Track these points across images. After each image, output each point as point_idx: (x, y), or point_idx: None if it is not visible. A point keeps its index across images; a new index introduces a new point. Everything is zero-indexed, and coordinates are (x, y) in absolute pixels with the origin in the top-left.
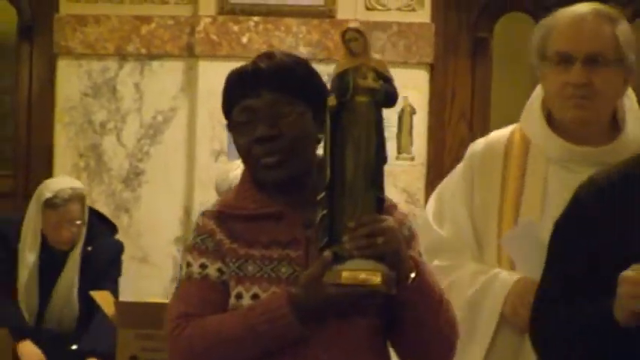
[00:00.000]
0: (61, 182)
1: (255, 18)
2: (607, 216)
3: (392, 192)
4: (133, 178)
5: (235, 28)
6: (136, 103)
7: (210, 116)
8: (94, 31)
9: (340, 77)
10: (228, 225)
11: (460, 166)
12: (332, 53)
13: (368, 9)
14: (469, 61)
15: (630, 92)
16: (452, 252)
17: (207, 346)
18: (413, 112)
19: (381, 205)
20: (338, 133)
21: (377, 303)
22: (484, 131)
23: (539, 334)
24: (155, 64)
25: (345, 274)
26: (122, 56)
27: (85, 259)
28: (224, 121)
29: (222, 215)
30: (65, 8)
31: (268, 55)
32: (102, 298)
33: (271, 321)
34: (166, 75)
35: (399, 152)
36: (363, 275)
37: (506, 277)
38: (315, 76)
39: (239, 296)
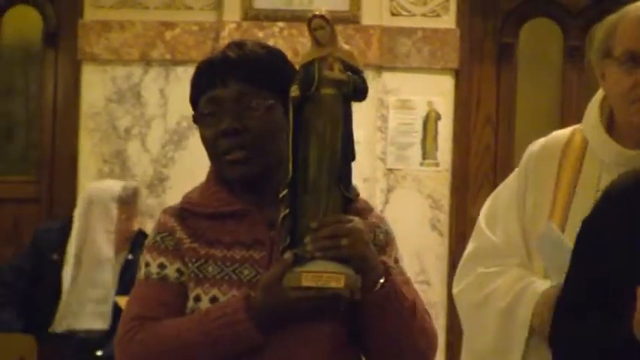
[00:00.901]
0: (113, 182)
1: (280, 24)
2: (633, 215)
3: (417, 198)
4: (158, 184)
5: (260, 34)
6: (161, 108)
7: None
8: (119, 37)
9: (305, 68)
10: (189, 223)
11: (517, 170)
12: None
13: (393, 14)
14: (494, 66)
15: None
16: (500, 258)
17: (161, 352)
18: (438, 117)
19: (348, 204)
20: (301, 127)
21: (341, 308)
22: (509, 137)
23: (556, 345)
24: (180, 69)
25: (305, 276)
26: (147, 62)
27: (125, 267)
28: None
29: (184, 213)
30: (90, 14)
31: (239, 44)
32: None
33: (227, 326)
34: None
35: (423, 158)
36: (323, 278)
37: (538, 287)
38: (288, 67)
39: (197, 299)
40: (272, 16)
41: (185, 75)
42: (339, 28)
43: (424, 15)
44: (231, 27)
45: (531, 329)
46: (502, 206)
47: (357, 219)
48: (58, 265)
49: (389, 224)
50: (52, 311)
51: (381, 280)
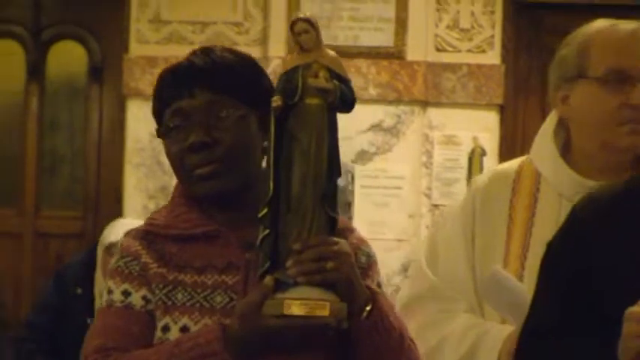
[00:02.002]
0: (127, 224)
1: None
2: (608, 235)
3: None
4: None
5: None
6: None
7: None
8: None
9: (288, 76)
10: (156, 246)
11: (459, 203)
12: (402, 95)
13: (438, 50)
14: (539, 102)
15: None
16: (444, 302)
17: None
18: (483, 153)
19: (333, 225)
20: (284, 140)
21: (326, 338)
22: None
23: None
24: None
25: (287, 303)
26: None
27: None
28: None
29: (149, 235)
30: (135, 49)
31: (205, 50)
32: None
33: (201, 358)
34: None
35: None
36: (308, 305)
37: (498, 333)
38: (261, 75)
39: (166, 328)
40: None
41: None
42: (383, 63)
43: (469, 51)
44: (277, 62)
45: None
46: (444, 246)
47: (343, 241)
48: (83, 300)
49: (370, 246)
50: (79, 348)
51: (368, 308)
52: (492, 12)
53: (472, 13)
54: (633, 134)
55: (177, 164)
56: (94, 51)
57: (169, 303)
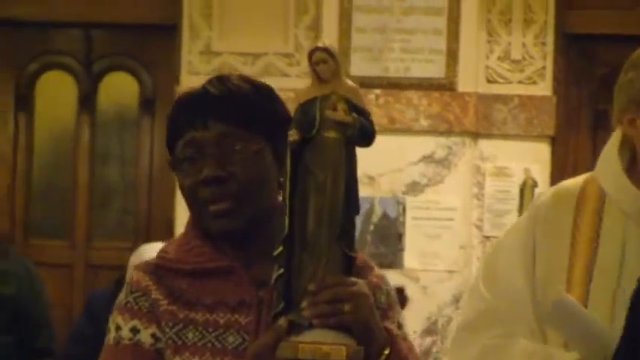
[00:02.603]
0: (153, 249)
1: (377, 90)
2: None
3: None
4: None
5: None
6: None
7: None
8: None
9: (305, 108)
10: (166, 282)
11: (521, 221)
12: (453, 126)
13: (489, 81)
14: (590, 133)
15: None
16: (503, 326)
17: None
18: (534, 185)
19: (351, 264)
20: (299, 175)
21: None
22: None
23: None
24: None
25: (302, 347)
26: None
27: None
28: None
29: (159, 270)
30: (186, 81)
31: (221, 79)
32: None
33: None
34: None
35: None
36: (323, 349)
37: (562, 359)
38: (278, 105)
39: None
40: (368, 83)
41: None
42: (435, 94)
43: (520, 82)
44: None
45: None
46: (504, 264)
47: (361, 281)
48: None
49: (390, 284)
50: None
51: (386, 352)
52: (543, 43)
53: (523, 45)
54: None
55: (191, 198)
56: (146, 83)
57: (180, 342)
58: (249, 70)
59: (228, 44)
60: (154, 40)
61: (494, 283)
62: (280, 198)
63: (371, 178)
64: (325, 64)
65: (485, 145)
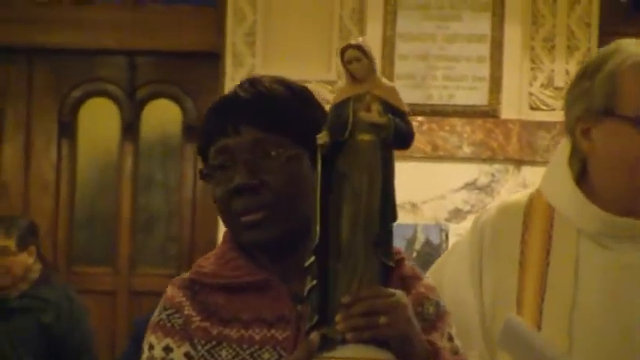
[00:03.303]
0: None
1: (420, 118)
2: None
3: None
4: None
5: None
6: None
7: None
8: None
9: (337, 109)
10: (201, 297)
11: (464, 241)
12: (496, 153)
13: (532, 108)
14: None
15: None
16: None
17: None
18: None
19: (388, 274)
20: (332, 181)
21: None
22: None
23: None
24: None
25: None
26: None
27: None
28: None
29: (194, 285)
30: None
31: (253, 82)
32: None
33: None
34: None
35: None
36: None
37: None
38: (315, 108)
39: None
40: (412, 111)
41: None
42: (478, 122)
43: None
44: None
45: None
46: (450, 288)
47: (399, 292)
48: None
49: (439, 295)
50: None
51: None
52: None
53: (566, 72)
54: None
55: (223, 209)
56: (189, 110)
57: None
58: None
59: (272, 71)
60: (198, 68)
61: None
62: None
63: (414, 205)
64: (358, 62)
65: (528, 172)
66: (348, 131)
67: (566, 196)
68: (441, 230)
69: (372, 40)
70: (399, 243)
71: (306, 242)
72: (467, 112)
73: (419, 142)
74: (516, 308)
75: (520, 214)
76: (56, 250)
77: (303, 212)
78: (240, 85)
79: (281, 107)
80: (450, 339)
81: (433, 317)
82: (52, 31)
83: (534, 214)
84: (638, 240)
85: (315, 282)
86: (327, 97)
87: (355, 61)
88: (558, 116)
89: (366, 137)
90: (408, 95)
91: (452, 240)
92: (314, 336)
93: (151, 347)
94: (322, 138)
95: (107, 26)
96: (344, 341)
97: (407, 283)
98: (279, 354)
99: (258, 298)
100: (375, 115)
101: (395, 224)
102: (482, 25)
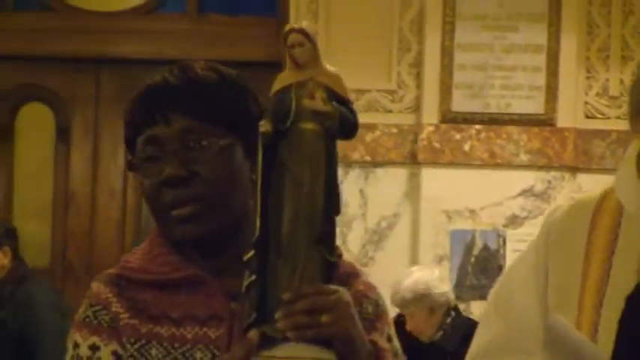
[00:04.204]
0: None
1: (477, 126)
2: None
3: None
4: None
5: (457, 136)
6: (361, 209)
7: (433, 222)
8: None
9: (279, 96)
10: (128, 294)
11: (535, 241)
12: (552, 161)
13: (588, 117)
14: None
15: None
16: (515, 354)
17: None
18: None
19: (331, 270)
20: (273, 171)
21: None
22: None
23: None
24: (379, 171)
25: None
26: (347, 163)
27: None
28: (448, 227)
29: (121, 281)
30: None
31: (183, 67)
32: None
33: None
34: (390, 182)
35: None
36: None
37: None
38: (249, 96)
39: None
40: (469, 119)
41: (385, 176)
42: (534, 130)
43: (618, 117)
44: (430, 129)
45: None
46: (518, 286)
47: (341, 289)
48: None
49: (380, 294)
50: None
51: None
52: None
53: (621, 81)
54: None
55: (152, 202)
56: None
57: None
58: (355, 105)
59: None
60: (259, 77)
61: (507, 307)
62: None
63: (472, 212)
64: (302, 47)
65: (583, 179)
66: (290, 119)
67: (631, 194)
68: (499, 236)
69: (431, 50)
70: (457, 248)
71: (240, 237)
72: (523, 121)
73: (477, 150)
74: (577, 312)
75: (589, 212)
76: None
77: (238, 205)
78: (170, 71)
79: (213, 94)
80: (389, 339)
81: (372, 317)
82: (118, 41)
83: (604, 213)
84: None
85: (254, 277)
86: (387, 106)
87: (298, 45)
88: (613, 124)
89: (309, 126)
90: (466, 104)
91: (509, 245)
92: (253, 334)
93: (76, 345)
94: (264, 126)
95: (170, 36)
96: (285, 339)
97: (345, 280)
98: (213, 353)
99: (189, 296)
100: (319, 102)
101: (453, 229)
102: (539, 35)
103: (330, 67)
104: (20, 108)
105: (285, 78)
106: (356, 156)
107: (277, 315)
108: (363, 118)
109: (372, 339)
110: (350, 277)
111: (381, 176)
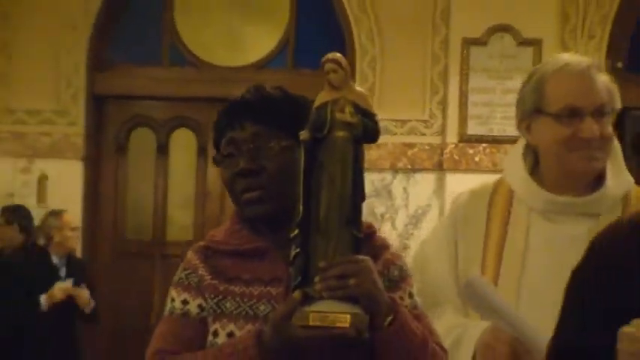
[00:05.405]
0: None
1: (484, 144)
2: (629, 264)
3: None
4: (402, 251)
5: (470, 151)
6: (404, 201)
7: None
8: (375, 153)
9: (318, 111)
10: (212, 261)
11: (443, 221)
12: None
13: None
14: None
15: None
16: (431, 306)
17: None
18: None
19: (358, 244)
20: (313, 169)
21: (357, 349)
22: None
23: None
24: (417, 175)
25: (312, 315)
26: (395, 170)
27: None
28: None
29: (207, 250)
30: None
31: (257, 88)
32: None
33: None
34: (424, 183)
35: None
36: (330, 317)
37: (475, 330)
38: (306, 111)
39: (215, 334)
40: (479, 139)
41: (422, 179)
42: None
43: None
44: (452, 146)
45: None
46: (432, 255)
47: (366, 258)
48: None
49: (404, 261)
50: None
51: (389, 318)
52: None
53: None
54: (590, 160)
55: (230, 188)
56: None
57: (219, 311)
58: (399, 131)
59: (383, 112)
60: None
61: (424, 271)
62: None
63: None
64: (335, 73)
65: None
66: (326, 129)
67: (520, 181)
68: None
69: (452, 92)
70: None
71: (294, 217)
72: (516, 141)
73: (484, 160)
74: (480, 270)
75: (487, 196)
76: None
77: (293, 192)
78: (248, 90)
79: (277, 107)
80: (411, 296)
81: (397, 278)
82: (238, 86)
83: (498, 197)
84: (579, 215)
85: (298, 250)
86: (422, 131)
87: (332, 72)
88: None
89: (340, 134)
90: (477, 129)
91: None
92: (297, 293)
93: (172, 300)
94: (304, 135)
95: (273, 84)
96: (321, 298)
97: (377, 251)
98: (273, 306)
99: (257, 262)
100: (347, 115)
101: None
102: None
103: (358, 88)
104: (174, 132)
105: (323, 97)
106: (401, 165)
107: (315, 279)
108: (405, 139)
109: (395, 296)
110: (381, 248)
111: (418, 179)
